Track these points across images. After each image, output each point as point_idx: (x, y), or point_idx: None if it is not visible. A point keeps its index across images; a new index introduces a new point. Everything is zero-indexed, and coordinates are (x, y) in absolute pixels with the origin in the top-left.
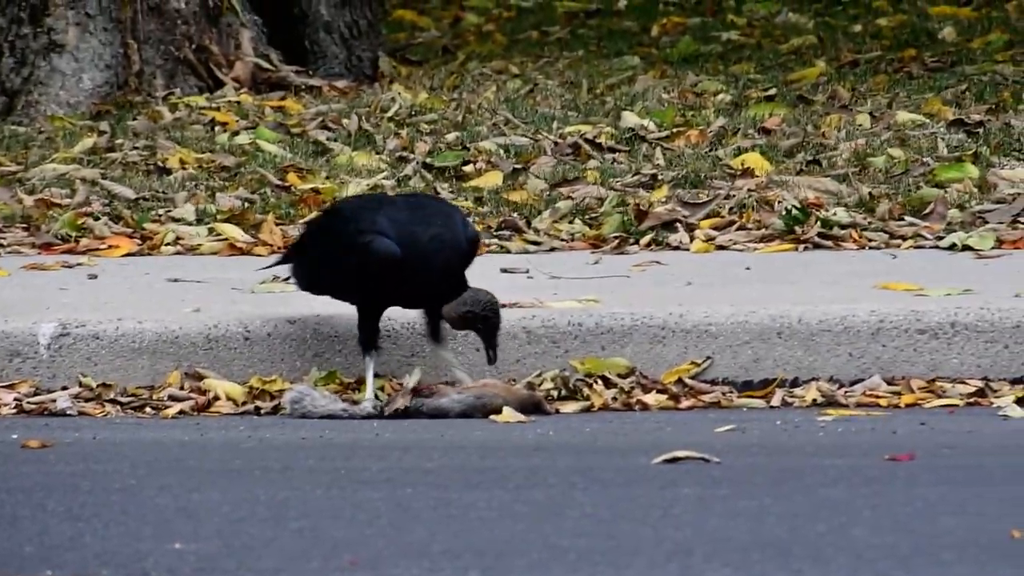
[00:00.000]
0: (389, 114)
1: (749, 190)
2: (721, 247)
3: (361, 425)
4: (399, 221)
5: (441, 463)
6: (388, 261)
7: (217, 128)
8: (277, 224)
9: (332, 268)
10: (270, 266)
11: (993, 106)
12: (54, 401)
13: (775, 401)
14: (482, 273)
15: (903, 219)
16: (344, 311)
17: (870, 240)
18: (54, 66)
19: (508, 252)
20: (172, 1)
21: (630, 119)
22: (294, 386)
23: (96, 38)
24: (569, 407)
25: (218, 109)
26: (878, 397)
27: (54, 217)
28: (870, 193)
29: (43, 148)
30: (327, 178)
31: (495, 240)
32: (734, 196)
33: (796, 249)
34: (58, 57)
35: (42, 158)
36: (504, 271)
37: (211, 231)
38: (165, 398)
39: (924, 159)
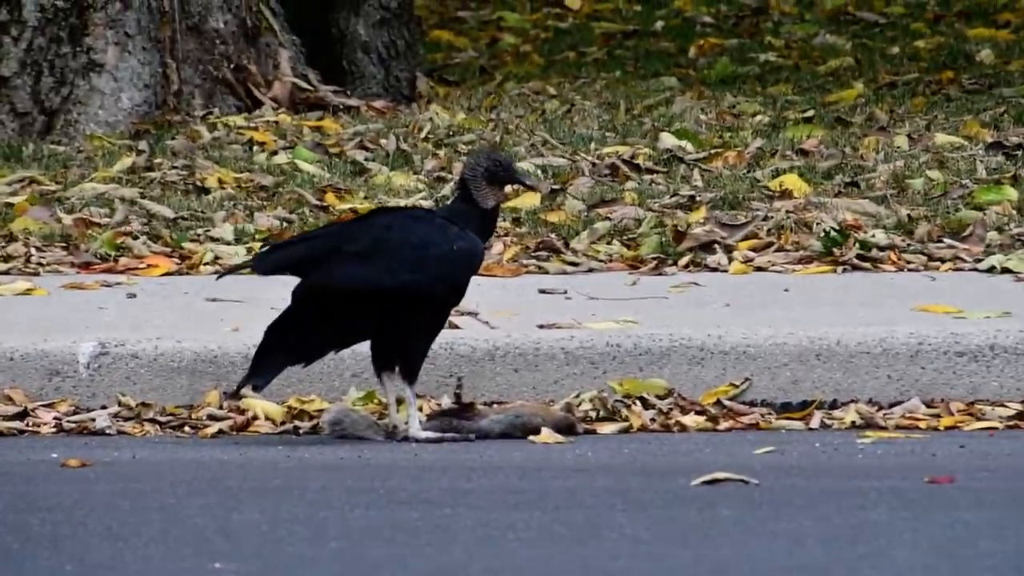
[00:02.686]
0: (426, 134)
1: (787, 212)
2: (759, 269)
3: (399, 446)
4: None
5: (480, 484)
6: (481, 253)
7: (255, 148)
8: None
9: (410, 256)
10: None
11: None
12: (93, 420)
13: (814, 423)
14: (520, 294)
15: (942, 241)
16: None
17: (909, 262)
18: (93, 85)
19: (546, 273)
20: (211, 21)
21: (668, 140)
22: (333, 407)
23: (135, 57)
24: (607, 428)
25: (256, 129)
26: (917, 419)
27: (93, 236)
28: (909, 215)
29: (82, 167)
30: (365, 198)
31: (533, 261)
32: (772, 218)
33: (835, 271)
34: (97, 76)
35: (81, 177)
36: (542, 292)
37: (249, 251)
38: (204, 417)
39: (963, 181)
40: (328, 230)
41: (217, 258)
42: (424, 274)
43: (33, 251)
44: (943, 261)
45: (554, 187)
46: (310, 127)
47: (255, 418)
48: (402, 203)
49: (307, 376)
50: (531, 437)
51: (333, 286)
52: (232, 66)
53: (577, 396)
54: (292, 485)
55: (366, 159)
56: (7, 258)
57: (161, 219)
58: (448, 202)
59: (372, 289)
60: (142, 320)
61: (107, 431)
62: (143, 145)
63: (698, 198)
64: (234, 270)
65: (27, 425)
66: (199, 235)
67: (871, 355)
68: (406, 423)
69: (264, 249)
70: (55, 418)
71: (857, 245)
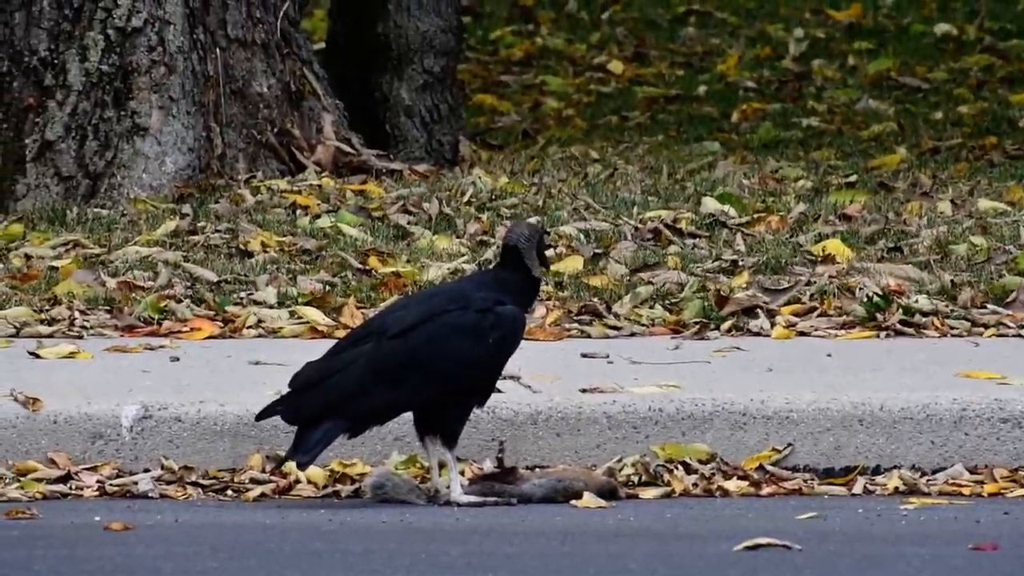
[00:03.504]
0: (469, 198)
1: (830, 277)
2: (802, 334)
3: (441, 510)
4: (487, 296)
5: (522, 548)
6: (522, 324)
7: (298, 211)
8: (358, 307)
9: (442, 369)
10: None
11: None
12: (136, 483)
13: (857, 489)
14: (563, 358)
15: (985, 307)
16: None
17: (952, 328)
18: (137, 149)
19: (588, 337)
20: (255, 85)
21: (710, 204)
22: (375, 470)
23: (179, 121)
24: (649, 493)
25: (300, 192)
26: (961, 486)
27: (137, 300)
28: (952, 281)
29: (126, 231)
30: (408, 262)
31: (576, 325)
32: (815, 282)
33: (877, 336)
34: (141, 140)
35: (125, 241)
36: (584, 356)
37: (292, 314)
38: (247, 481)
39: (1006, 247)
40: (359, 351)
41: (260, 321)
42: (466, 379)
43: (77, 314)
44: (987, 327)
45: (597, 251)
46: (353, 191)
47: (297, 481)
48: (445, 267)
49: (349, 439)
50: (573, 501)
51: (375, 417)
52: (276, 130)
53: (619, 460)
54: (334, 549)
55: (409, 223)
56: (51, 321)
57: (204, 282)
58: (491, 267)
59: (416, 404)
60: (185, 383)
61: (150, 494)
62: (187, 209)
63: (741, 263)
64: (268, 414)
65: (70, 488)
66: (242, 298)
67: (914, 421)
68: (448, 487)
69: (293, 385)
70: (98, 481)
71: (900, 310)
